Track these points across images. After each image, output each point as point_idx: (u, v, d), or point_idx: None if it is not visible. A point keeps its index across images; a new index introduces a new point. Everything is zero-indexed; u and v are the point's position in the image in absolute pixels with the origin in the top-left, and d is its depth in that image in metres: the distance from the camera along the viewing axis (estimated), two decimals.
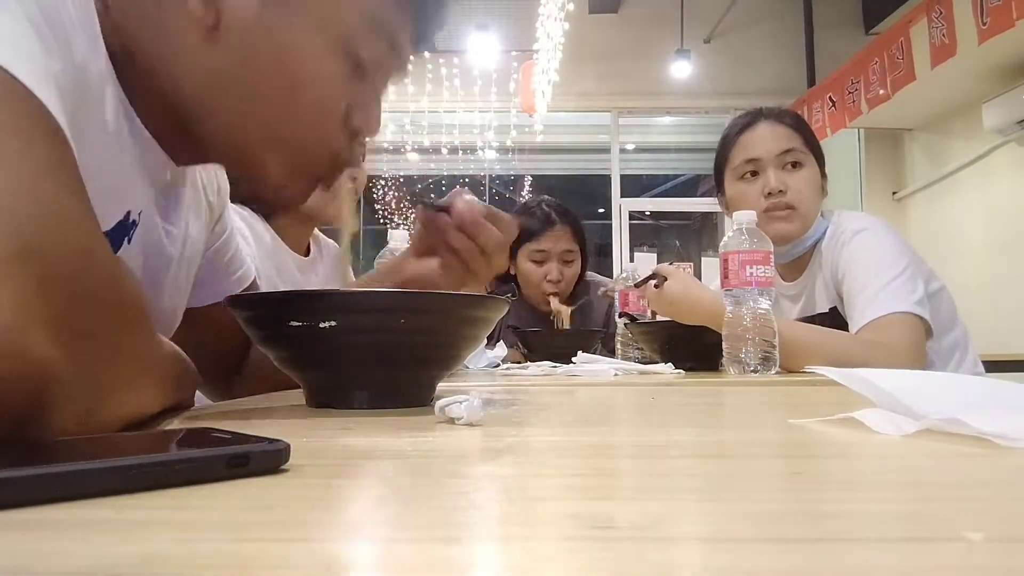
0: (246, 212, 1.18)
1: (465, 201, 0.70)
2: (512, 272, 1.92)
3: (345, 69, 0.51)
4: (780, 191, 1.27)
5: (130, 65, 0.48)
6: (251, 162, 0.53)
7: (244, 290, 0.77)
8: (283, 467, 0.27)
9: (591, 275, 2.00)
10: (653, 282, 1.24)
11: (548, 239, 1.84)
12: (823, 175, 1.34)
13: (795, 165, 1.29)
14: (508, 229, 0.71)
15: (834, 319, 1.25)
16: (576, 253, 1.88)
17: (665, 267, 1.27)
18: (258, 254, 1.17)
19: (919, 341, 1.12)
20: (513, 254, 1.89)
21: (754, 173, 1.32)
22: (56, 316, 0.32)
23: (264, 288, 1.12)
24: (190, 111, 0.50)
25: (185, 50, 0.48)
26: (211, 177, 0.70)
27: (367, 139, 0.59)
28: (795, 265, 1.34)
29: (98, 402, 0.36)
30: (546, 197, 1.96)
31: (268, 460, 0.27)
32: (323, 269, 1.38)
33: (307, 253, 1.35)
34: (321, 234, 1.42)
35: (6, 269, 0.30)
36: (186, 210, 0.64)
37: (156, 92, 0.50)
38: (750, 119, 1.36)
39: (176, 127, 0.52)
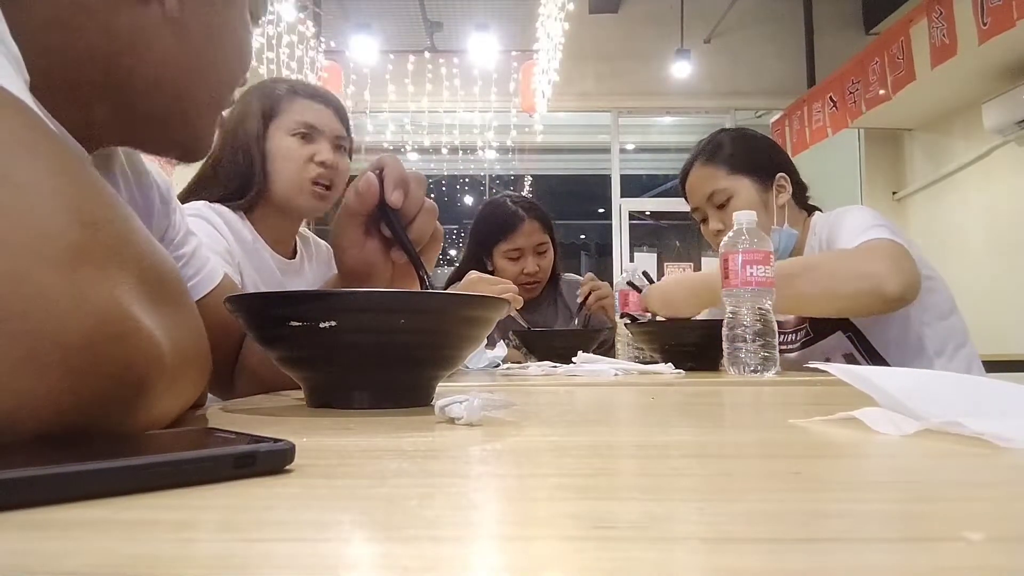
0: (226, 210, 1.13)
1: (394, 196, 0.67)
2: (490, 270, 1.93)
3: (248, 30, 0.62)
4: (720, 230, 1.34)
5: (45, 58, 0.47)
6: (188, 120, 0.59)
7: (214, 288, 0.77)
8: (284, 467, 0.27)
9: (567, 276, 2.06)
10: (643, 287, 1.34)
11: (521, 236, 1.90)
12: (770, 177, 1.36)
13: (721, 207, 1.36)
14: (418, 197, 0.68)
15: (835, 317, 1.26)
16: (548, 243, 1.95)
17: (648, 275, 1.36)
18: (239, 251, 1.13)
19: (903, 255, 1.12)
20: (489, 253, 1.94)
21: (704, 220, 1.42)
22: (145, 296, 0.32)
23: (247, 287, 1.10)
24: (131, 84, 0.54)
25: (146, 29, 0.53)
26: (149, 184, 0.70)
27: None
28: None
29: (174, 387, 0.35)
30: (509, 193, 2.03)
31: (274, 460, 0.27)
32: (312, 273, 1.29)
33: (293, 255, 1.27)
34: (312, 234, 1.36)
35: (83, 253, 0.29)
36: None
37: (65, 83, 0.51)
38: (686, 167, 1.45)
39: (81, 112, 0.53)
